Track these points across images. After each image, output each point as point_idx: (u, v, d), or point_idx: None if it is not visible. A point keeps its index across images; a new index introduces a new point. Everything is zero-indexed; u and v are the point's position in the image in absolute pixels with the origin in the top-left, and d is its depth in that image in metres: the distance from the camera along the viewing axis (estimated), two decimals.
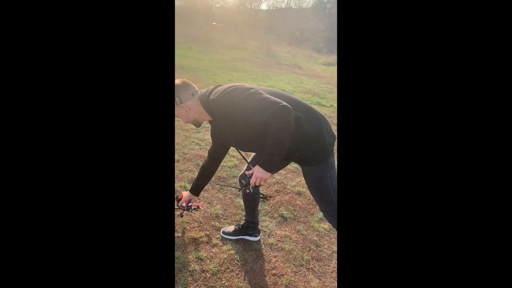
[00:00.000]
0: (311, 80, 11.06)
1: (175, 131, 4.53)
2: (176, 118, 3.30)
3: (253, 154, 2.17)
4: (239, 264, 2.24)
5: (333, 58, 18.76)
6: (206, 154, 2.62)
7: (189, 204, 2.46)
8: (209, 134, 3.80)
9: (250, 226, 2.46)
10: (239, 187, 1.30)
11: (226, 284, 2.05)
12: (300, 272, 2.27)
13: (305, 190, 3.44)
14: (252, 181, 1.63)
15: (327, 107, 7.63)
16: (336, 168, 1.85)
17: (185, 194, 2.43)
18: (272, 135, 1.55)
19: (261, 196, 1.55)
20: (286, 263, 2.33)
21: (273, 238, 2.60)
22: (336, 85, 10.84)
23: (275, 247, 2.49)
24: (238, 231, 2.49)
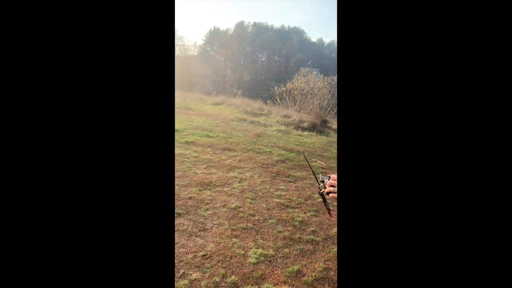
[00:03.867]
0: (201, 118, 12.71)
1: None
2: None
3: None
4: None
5: (221, 98, 21.44)
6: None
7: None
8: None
9: None
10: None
11: None
12: None
13: None
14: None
15: (215, 137, 9.25)
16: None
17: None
18: None
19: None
20: None
21: None
22: (222, 121, 12.83)
23: None
24: None
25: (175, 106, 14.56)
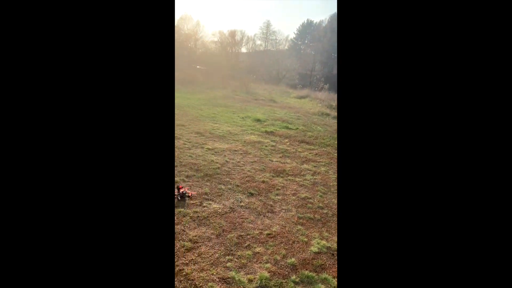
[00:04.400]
0: (283, 111, 13.01)
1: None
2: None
3: None
4: None
5: (305, 92, 21.29)
6: (197, 162, 4.08)
7: (182, 191, 3.92)
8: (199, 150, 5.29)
9: None
10: None
11: None
12: None
13: None
14: None
15: (294, 129, 9.38)
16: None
17: None
18: None
19: None
20: None
21: None
22: (304, 114, 12.80)
23: None
24: None
25: (261, 98, 15.22)
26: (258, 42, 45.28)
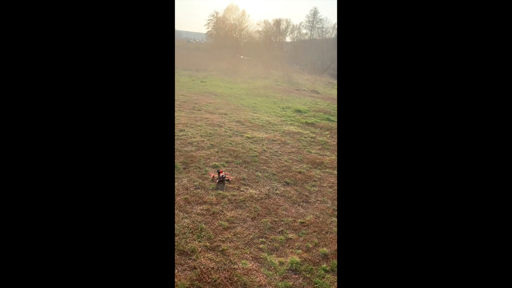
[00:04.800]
0: (325, 102, 12.65)
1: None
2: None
3: None
4: None
5: None
6: (237, 149, 4.26)
7: (222, 175, 4.17)
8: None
9: None
10: None
11: None
12: None
13: None
14: None
15: (335, 122, 9.12)
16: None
17: None
18: None
19: None
20: None
21: None
22: None
23: None
24: None
25: (303, 88, 14.89)
26: (304, 31, 43.98)
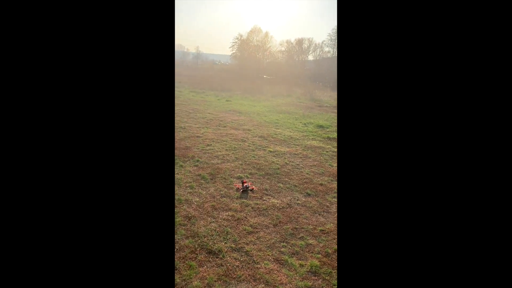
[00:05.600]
0: None
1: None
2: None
3: None
4: None
5: None
6: (259, 162, 4.59)
7: (246, 185, 4.46)
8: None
9: None
10: None
11: None
12: None
13: None
14: None
15: None
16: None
17: None
18: None
19: None
20: None
21: None
22: None
23: None
24: None
25: (325, 104, 15.02)
26: (326, 49, 44.53)
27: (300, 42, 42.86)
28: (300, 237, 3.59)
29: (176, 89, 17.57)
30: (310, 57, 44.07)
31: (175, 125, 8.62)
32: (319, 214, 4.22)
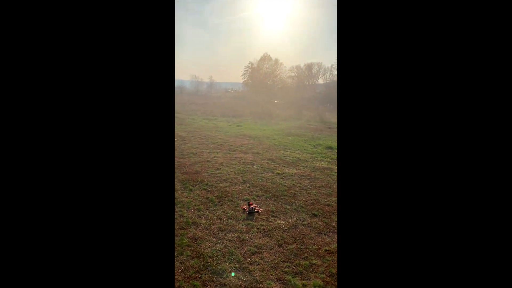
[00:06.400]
0: None
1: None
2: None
3: None
4: None
5: None
6: (267, 184, 4.73)
7: (252, 207, 4.58)
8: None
9: None
10: None
11: None
12: None
13: None
14: None
15: None
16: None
17: None
18: None
19: None
20: None
21: None
22: None
23: None
24: None
25: (334, 126, 15.06)
26: (336, 72, 45.38)
27: (309, 67, 44.09)
28: (304, 257, 3.60)
29: (189, 116, 18.35)
30: (320, 81, 44.93)
31: (187, 151, 8.98)
32: (325, 235, 4.22)
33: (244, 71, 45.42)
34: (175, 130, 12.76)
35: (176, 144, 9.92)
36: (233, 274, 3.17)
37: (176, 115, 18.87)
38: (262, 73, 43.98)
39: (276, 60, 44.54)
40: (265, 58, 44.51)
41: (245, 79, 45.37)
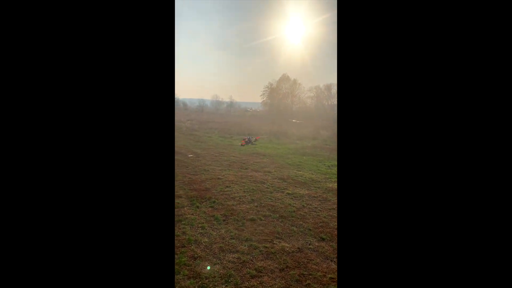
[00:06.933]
0: None
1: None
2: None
3: None
4: None
5: None
6: (275, 204, 4.60)
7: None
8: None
9: None
10: None
11: None
12: None
13: None
14: None
15: None
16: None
17: None
18: None
19: None
20: None
21: None
22: None
23: None
24: None
25: None
26: None
27: (328, 87, 44.12)
28: (306, 284, 3.37)
29: (206, 134, 18.69)
30: None
31: (199, 167, 9.06)
32: (331, 260, 3.96)
33: (264, 91, 46.28)
34: (190, 147, 13.01)
35: (189, 160, 10.06)
36: None
37: (193, 133, 19.33)
38: (280, 93, 44.54)
39: (295, 81, 45.09)
40: (284, 79, 45.24)
41: (264, 98, 46.11)
